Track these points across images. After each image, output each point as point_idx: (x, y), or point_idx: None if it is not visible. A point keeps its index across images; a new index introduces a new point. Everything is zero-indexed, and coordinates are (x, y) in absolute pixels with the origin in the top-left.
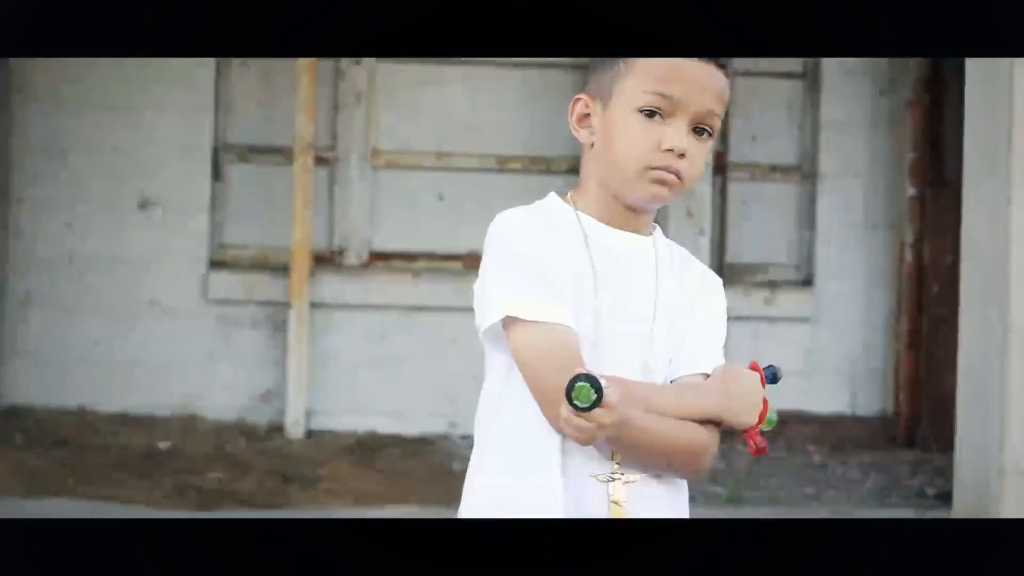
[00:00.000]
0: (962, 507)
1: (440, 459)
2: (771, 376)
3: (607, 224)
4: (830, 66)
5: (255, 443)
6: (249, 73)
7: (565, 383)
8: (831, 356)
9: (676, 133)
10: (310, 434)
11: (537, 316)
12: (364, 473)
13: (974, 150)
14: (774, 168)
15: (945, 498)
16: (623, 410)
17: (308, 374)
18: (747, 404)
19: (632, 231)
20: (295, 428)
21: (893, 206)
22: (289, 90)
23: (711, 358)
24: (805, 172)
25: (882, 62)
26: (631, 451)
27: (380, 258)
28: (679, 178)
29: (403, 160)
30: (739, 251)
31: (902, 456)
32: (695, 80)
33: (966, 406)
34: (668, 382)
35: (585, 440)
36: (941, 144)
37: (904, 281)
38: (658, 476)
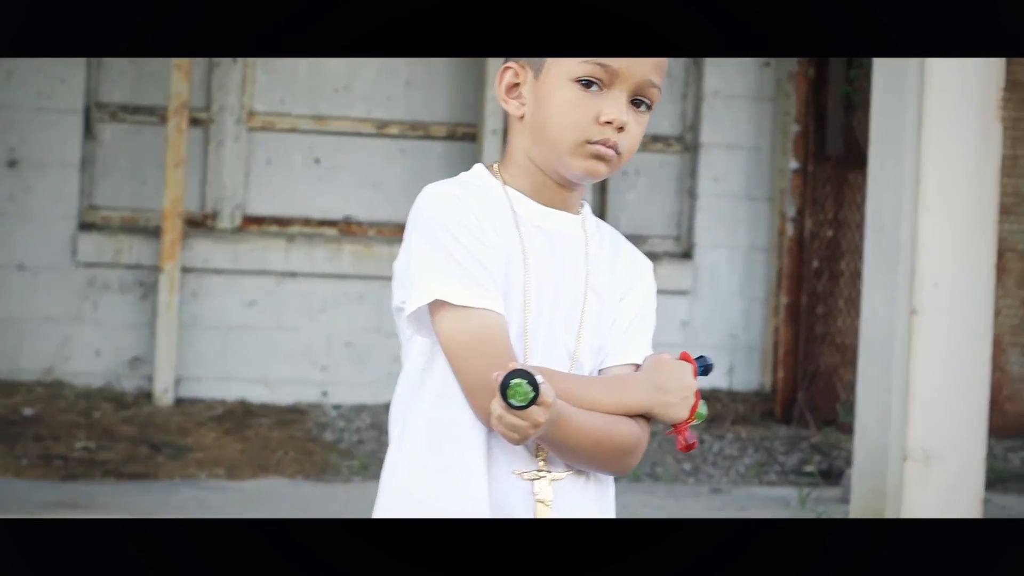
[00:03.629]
0: (861, 492)
1: (311, 429)
2: (703, 368)
3: (536, 201)
4: None
5: (122, 410)
6: None
7: (495, 375)
8: (709, 329)
9: (615, 105)
10: (179, 402)
11: (467, 301)
12: (233, 443)
13: (881, 128)
14: (655, 139)
15: (826, 475)
16: (557, 406)
17: (178, 340)
18: (679, 398)
19: (562, 209)
20: (164, 395)
21: (774, 179)
22: None
23: (641, 348)
24: (687, 143)
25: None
26: (561, 448)
27: (253, 222)
28: (617, 152)
29: (279, 123)
30: (619, 222)
31: (779, 432)
32: None
33: (867, 389)
34: (596, 372)
35: (518, 439)
36: (824, 117)
37: (784, 255)
38: (584, 473)
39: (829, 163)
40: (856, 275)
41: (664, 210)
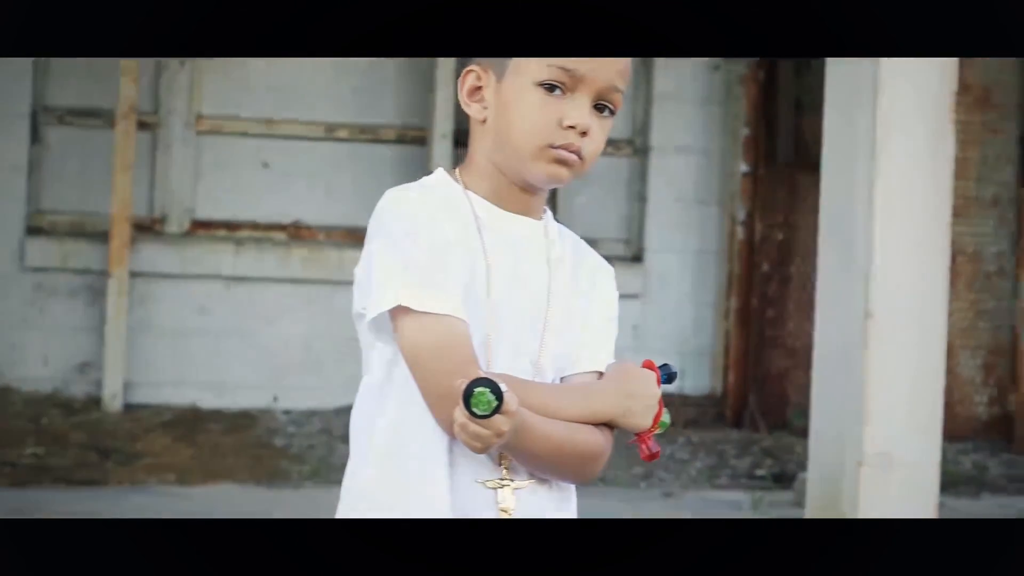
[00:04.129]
0: (816, 496)
1: (262, 435)
2: (667, 376)
3: (498, 206)
4: None
5: (71, 417)
6: None
7: (458, 383)
8: (660, 333)
9: (578, 109)
10: (128, 407)
11: (429, 307)
12: (183, 448)
13: (835, 132)
14: (606, 142)
15: (778, 479)
16: (520, 414)
17: (127, 345)
18: (643, 406)
19: (525, 214)
20: (113, 401)
21: (724, 182)
22: None
23: (604, 356)
24: (637, 146)
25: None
26: (525, 457)
27: (202, 227)
28: (580, 157)
29: (227, 126)
30: (569, 225)
31: (730, 435)
32: None
33: (821, 394)
34: (558, 380)
35: (481, 448)
36: (774, 121)
37: (734, 259)
38: (546, 481)
39: (779, 167)
40: (806, 278)
41: (614, 213)
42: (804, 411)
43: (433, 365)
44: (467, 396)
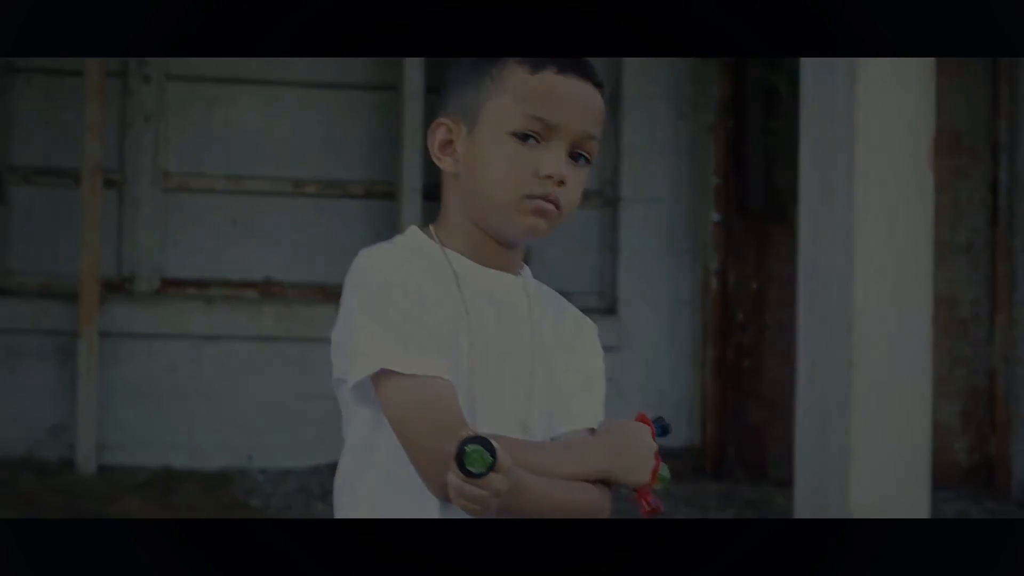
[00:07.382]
0: None
1: (238, 495)
2: (661, 429)
3: (476, 262)
4: (630, 91)
5: (45, 479)
6: (33, 91)
7: (447, 445)
8: (636, 386)
9: (554, 158)
10: (102, 469)
11: (414, 369)
12: (159, 510)
13: (811, 180)
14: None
15: None
16: (516, 473)
17: (99, 406)
18: (638, 461)
19: (503, 269)
20: (86, 463)
21: (696, 232)
22: (75, 109)
23: (594, 412)
24: (607, 197)
25: (683, 86)
26: (521, 517)
27: (172, 285)
28: (557, 207)
29: (195, 183)
30: (540, 278)
31: (710, 487)
32: (574, 101)
33: (805, 445)
34: (548, 439)
35: (479, 511)
36: (744, 169)
37: (709, 308)
38: None
39: (750, 215)
40: (782, 328)
41: (586, 266)
42: (783, 461)
43: (422, 429)
44: (460, 455)
